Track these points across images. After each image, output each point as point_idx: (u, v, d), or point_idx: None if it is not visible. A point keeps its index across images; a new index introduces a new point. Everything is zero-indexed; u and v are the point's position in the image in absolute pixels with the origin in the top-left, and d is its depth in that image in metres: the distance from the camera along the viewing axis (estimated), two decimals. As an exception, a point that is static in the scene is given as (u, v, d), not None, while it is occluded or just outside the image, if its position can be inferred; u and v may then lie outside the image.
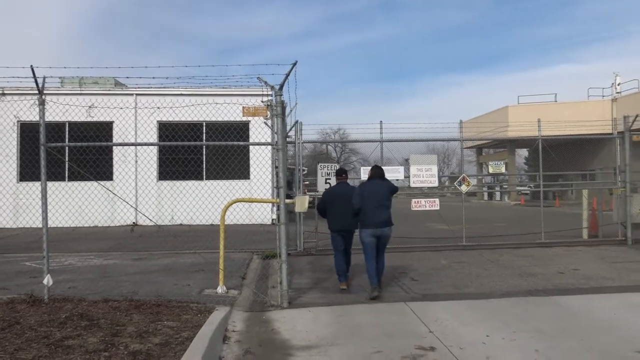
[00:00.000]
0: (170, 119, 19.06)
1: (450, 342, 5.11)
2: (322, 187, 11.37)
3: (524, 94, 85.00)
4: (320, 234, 11.36)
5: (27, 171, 18.89)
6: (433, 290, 7.57)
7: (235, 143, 18.95)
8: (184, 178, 19.61)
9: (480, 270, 9.16)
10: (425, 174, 11.93)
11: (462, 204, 12.75)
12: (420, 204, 11.95)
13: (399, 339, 5.29)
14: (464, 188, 12.38)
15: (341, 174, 8.59)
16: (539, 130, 12.68)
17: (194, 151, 19.35)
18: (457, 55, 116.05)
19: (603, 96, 34.50)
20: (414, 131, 12.67)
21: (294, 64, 6.74)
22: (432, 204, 11.94)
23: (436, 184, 12.32)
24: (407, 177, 12.13)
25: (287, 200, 7.10)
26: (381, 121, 12.03)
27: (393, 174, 12.31)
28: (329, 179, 11.28)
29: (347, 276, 8.08)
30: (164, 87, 18.49)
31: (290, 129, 9.09)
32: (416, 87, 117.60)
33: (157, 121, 19.44)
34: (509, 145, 37.74)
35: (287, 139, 11.79)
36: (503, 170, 12.57)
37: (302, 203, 7.71)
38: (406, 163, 13.51)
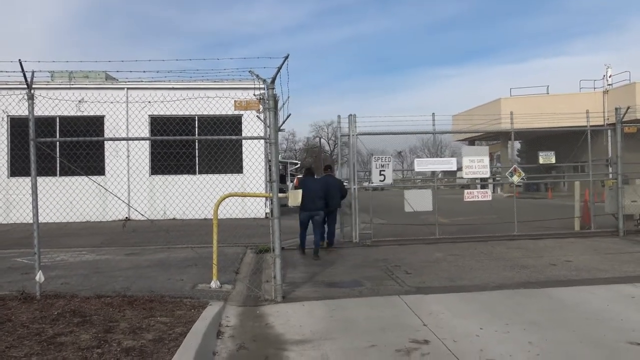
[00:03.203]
0: (162, 113, 18.92)
1: (444, 335, 5.11)
2: (376, 178, 11.52)
3: (516, 86, 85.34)
4: (375, 225, 11.73)
5: (18, 166, 18.72)
6: (427, 283, 7.58)
7: (228, 137, 18.87)
8: (176, 172, 19.49)
9: (473, 262, 9.18)
10: (477, 165, 12.00)
11: (510, 196, 12.62)
12: (473, 195, 12.12)
13: (393, 332, 5.29)
14: (515, 179, 12.35)
15: (327, 168, 11.64)
16: (587, 120, 12.79)
17: (186, 145, 19.24)
18: (447, 48, 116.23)
19: (594, 88, 34.64)
20: (409, 124, 12.69)
21: (286, 57, 6.68)
22: (484, 195, 12.06)
23: (488, 175, 12.41)
24: (460, 168, 12.33)
25: (280, 195, 7.07)
26: (433, 113, 12.29)
27: (446, 165, 12.52)
28: (384, 170, 11.42)
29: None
30: (155, 81, 18.32)
31: (283, 123, 9.04)
32: (407, 80, 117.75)
33: (149, 115, 19.30)
34: (502, 137, 37.87)
35: (340, 134, 11.96)
36: (553, 161, 12.51)
37: (295, 197, 7.71)
38: (399, 156, 13.48)
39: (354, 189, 11.72)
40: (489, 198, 12.12)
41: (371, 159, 11.83)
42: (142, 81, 18.49)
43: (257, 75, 6.93)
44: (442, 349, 4.78)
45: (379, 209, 12.03)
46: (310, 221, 10.28)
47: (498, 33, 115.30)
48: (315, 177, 11.07)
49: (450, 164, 12.60)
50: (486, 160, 12.20)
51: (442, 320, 5.65)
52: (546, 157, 12.92)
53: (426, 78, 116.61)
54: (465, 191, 12.29)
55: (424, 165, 12.47)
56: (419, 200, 11.75)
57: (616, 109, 12.73)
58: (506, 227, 12.78)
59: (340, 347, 4.91)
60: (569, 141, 13.33)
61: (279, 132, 8.06)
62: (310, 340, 5.14)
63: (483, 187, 13.01)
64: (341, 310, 6.21)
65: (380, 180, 11.45)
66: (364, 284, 7.63)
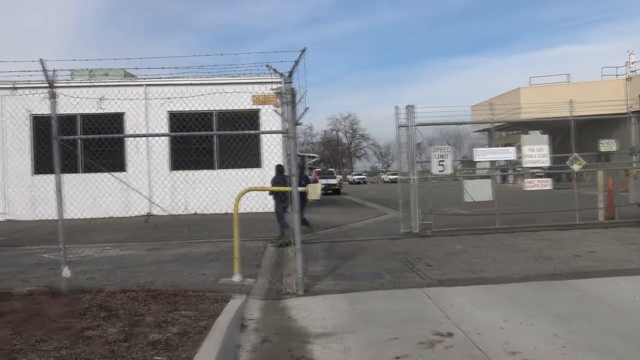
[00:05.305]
0: (181, 109, 19.06)
1: (468, 328, 5.09)
2: (435, 169, 11.78)
3: (536, 75, 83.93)
4: (435, 216, 11.95)
5: (42, 164, 19.05)
6: (449, 276, 7.54)
7: (246, 132, 18.96)
8: (196, 167, 19.65)
9: (496, 254, 9.10)
10: (537, 154, 12.05)
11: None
12: (533, 184, 12.27)
13: (416, 325, 5.28)
14: (576, 167, 12.24)
15: (302, 170, 13.07)
16: None
17: (205, 141, 19.36)
18: (461, 38, 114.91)
19: (617, 75, 33.91)
20: (436, 114, 12.86)
21: (303, 51, 6.67)
22: (544, 184, 12.22)
23: (548, 164, 12.38)
24: (520, 157, 12.45)
25: (300, 188, 7.09)
26: (491, 102, 12.69)
27: (505, 154, 12.91)
28: (443, 160, 11.74)
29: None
30: (174, 77, 18.46)
31: (301, 116, 9.05)
32: (423, 71, 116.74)
33: (168, 111, 19.47)
34: (522, 127, 37.39)
35: (397, 124, 12.09)
36: (614, 148, 12.35)
37: (315, 190, 7.73)
38: (418, 147, 13.47)
39: (413, 179, 11.78)
40: (550, 187, 12.21)
41: (430, 149, 12.15)
42: (160, 78, 18.67)
43: (275, 70, 6.94)
44: (466, 341, 4.75)
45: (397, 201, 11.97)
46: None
47: (514, 21, 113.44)
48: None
49: (509, 153, 12.70)
50: (546, 149, 12.14)
51: (465, 312, 5.62)
52: (607, 145, 12.60)
53: (441, 69, 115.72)
54: (526, 180, 12.44)
55: (483, 154, 12.61)
56: (478, 190, 11.90)
57: (639, 96, 12.45)
58: (532, 218, 12.65)
59: (362, 340, 4.92)
60: (589, 130, 13.08)
61: (297, 126, 8.07)
62: (332, 333, 5.16)
63: (503, 177, 12.98)
64: (363, 303, 6.22)
65: (439, 171, 11.73)
66: (385, 276, 7.63)
